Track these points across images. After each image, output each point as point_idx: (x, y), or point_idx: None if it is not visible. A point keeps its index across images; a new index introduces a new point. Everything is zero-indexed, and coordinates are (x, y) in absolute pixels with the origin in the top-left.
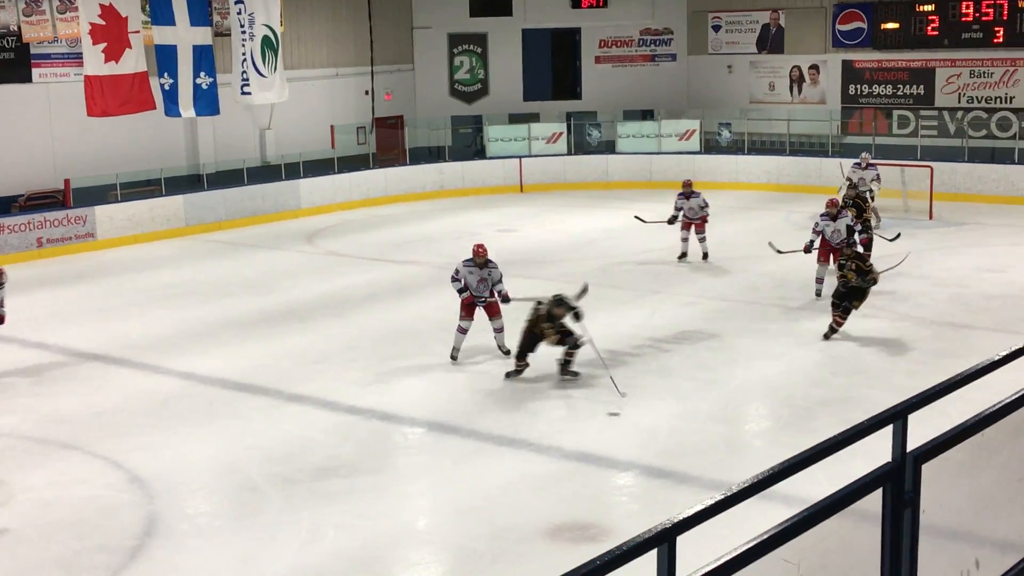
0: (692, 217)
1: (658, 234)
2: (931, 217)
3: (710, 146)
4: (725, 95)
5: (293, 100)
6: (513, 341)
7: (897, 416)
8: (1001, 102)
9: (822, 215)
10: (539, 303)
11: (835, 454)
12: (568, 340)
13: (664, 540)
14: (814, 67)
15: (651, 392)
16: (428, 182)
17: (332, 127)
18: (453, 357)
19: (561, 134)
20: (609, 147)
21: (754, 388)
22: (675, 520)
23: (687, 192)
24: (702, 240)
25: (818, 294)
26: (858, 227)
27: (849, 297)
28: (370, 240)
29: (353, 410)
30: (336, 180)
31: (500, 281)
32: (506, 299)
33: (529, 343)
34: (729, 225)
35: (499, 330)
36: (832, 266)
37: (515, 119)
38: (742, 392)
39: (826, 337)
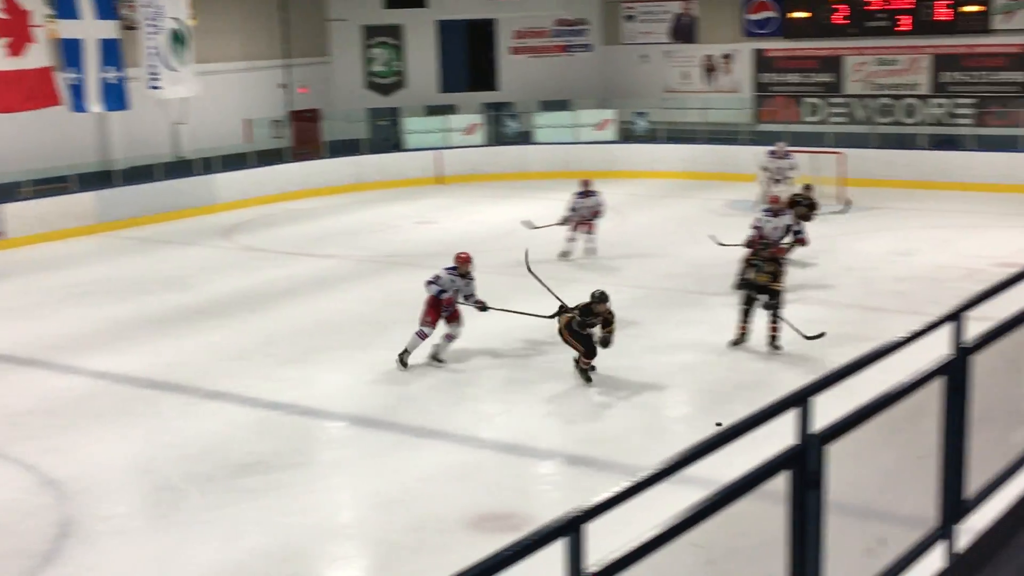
0: (586, 217)
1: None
2: (843, 202)
3: (626, 135)
4: (640, 85)
5: (206, 94)
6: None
7: (800, 399)
8: (907, 88)
9: (764, 210)
10: (564, 308)
11: (754, 436)
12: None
13: (570, 530)
14: (727, 56)
15: (570, 380)
16: (346, 175)
17: (247, 121)
18: (404, 363)
19: (479, 125)
20: (526, 138)
21: (673, 374)
22: (582, 509)
23: (585, 191)
24: (591, 240)
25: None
26: (796, 227)
27: (752, 300)
28: (288, 234)
29: (273, 405)
30: (252, 174)
31: (474, 291)
32: (483, 308)
33: (585, 341)
34: (647, 213)
35: (452, 338)
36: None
37: (432, 111)
38: (661, 378)
39: (734, 344)
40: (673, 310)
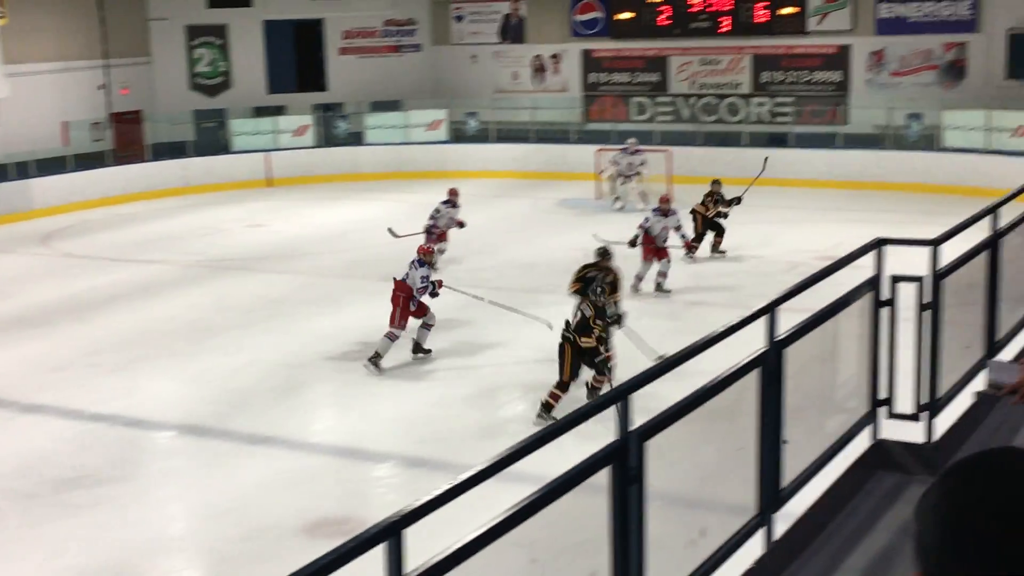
0: (446, 228)
1: (411, 223)
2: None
3: (458, 135)
4: (470, 85)
5: (18, 96)
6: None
7: (618, 397)
8: (729, 88)
9: (654, 210)
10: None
11: (584, 432)
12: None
13: (390, 534)
14: (555, 56)
15: (405, 381)
16: (172, 178)
17: (64, 123)
18: (377, 366)
19: (308, 126)
20: (357, 138)
21: (507, 373)
22: (400, 514)
23: (452, 200)
24: (442, 247)
25: (634, 289)
26: (682, 234)
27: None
28: (110, 240)
29: (97, 417)
30: (71, 179)
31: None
32: (435, 293)
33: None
34: (479, 213)
35: (430, 326)
36: (657, 264)
37: (260, 112)
38: (496, 377)
39: (540, 417)
40: (508, 311)
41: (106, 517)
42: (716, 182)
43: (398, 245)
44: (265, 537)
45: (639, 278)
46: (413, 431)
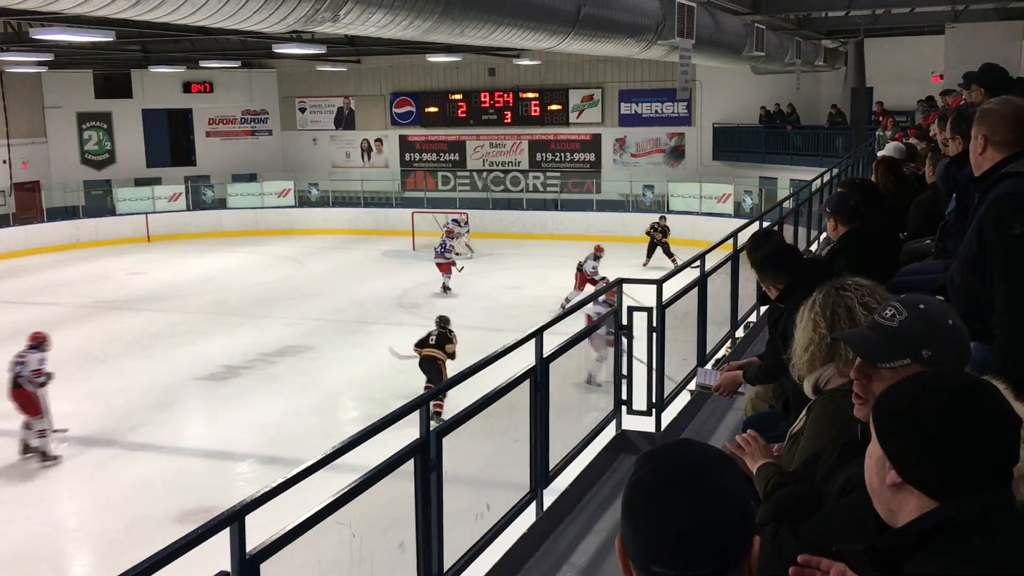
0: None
1: (265, 270)
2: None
3: (303, 200)
4: (313, 161)
5: None
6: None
7: (422, 403)
8: (512, 165)
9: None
10: None
11: (394, 431)
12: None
13: (234, 520)
14: (379, 140)
15: (262, 395)
16: (65, 236)
17: None
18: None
19: (181, 194)
20: (222, 203)
21: (344, 387)
22: (243, 502)
23: (456, 231)
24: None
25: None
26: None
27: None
28: (13, 286)
29: (2, 432)
30: None
31: None
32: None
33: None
34: (320, 262)
35: None
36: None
37: (140, 182)
38: (335, 391)
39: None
40: (342, 336)
41: (7, 514)
42: (663, 217)
43: (254, 288)
44: (143, 526)
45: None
46: (267, 435)
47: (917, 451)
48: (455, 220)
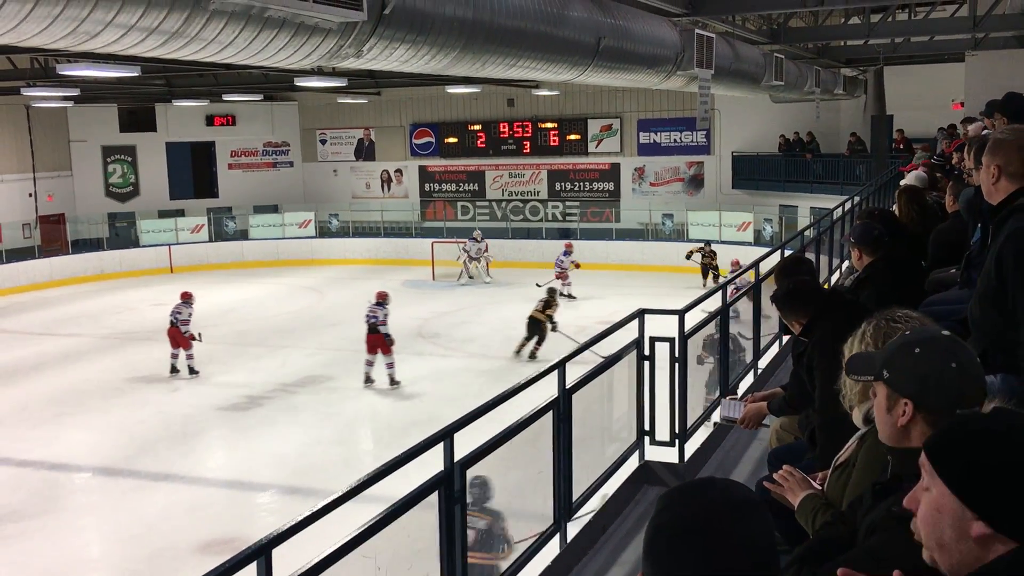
0: (565, 268)
1: (286, 301)
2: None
3: (324, 231)
4: (333, 192)
5: None
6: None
7: (445, 435)
8: (531, 195)
9: (564, 253)
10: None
11: (418, 462)
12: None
13: (260, 554)
14: (399, 171)
15: (282, 425)
16: (89, 267)
17: None
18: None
19: (203, 225)
20: (244, 234)
21: (363, 417)
22: (270, 536)
23: (569, 251)
24: (568, 284)
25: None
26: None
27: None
28: (38, 318)
29: (24, 463)
30: (4, 269)
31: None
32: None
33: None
34: (341, 292)
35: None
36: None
37: (164, 214)
38: (354, 421)
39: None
40: (361, 366)
41: (32, 545)
42: (707, 243)
43: (275, 318)
44: (165, 556)
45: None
46: (289, 465)
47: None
48: (472, 237)
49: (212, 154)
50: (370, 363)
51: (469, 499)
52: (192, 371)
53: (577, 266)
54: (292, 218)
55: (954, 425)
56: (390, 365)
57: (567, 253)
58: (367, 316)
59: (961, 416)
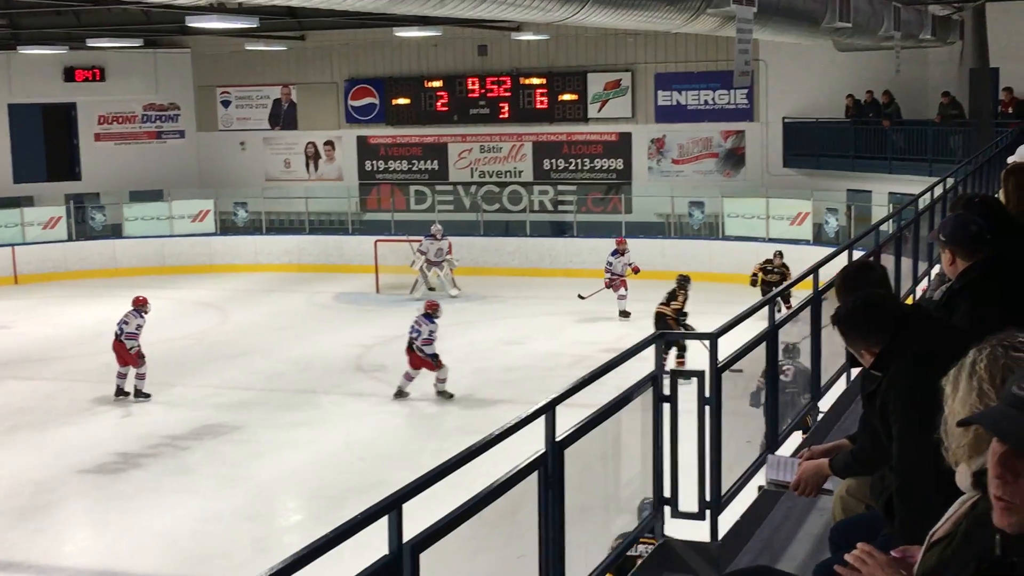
0: (621, 275)
1: (175, 322)
2: (454, 290)
3: (226, 227)
4: (239, 173)
5: None
6: None
7: (391, 506)
8: (511, 176)
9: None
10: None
11: (354, 541)
12: None
13: None
14: (329, 143)
15: (170, 494)
16: None
17: None
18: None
19: (60, 219)
20: (116, 231)
21: (281, 481)
22: None
23: (620, 249)
24: (622, 297)
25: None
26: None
27: None
28: None
29: None
30: None
31: None
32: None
33: None
34: (250, 310)
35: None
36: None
37: (4, 203)
38: (269, 486)
39: None
40: (280, 412)
41: None
42: (779, 253)
43: (160, 346)
44: None
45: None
46: (178, 549)
47: None
48: (430, 234)
49: (72, 120)
50: (410, 377)
51: None
52: (140, 394)
53: (636, 271)
54: (183, 208)
55: None
56: (442, 380)
57: (618, 253)
58: (411, 330)
59: None
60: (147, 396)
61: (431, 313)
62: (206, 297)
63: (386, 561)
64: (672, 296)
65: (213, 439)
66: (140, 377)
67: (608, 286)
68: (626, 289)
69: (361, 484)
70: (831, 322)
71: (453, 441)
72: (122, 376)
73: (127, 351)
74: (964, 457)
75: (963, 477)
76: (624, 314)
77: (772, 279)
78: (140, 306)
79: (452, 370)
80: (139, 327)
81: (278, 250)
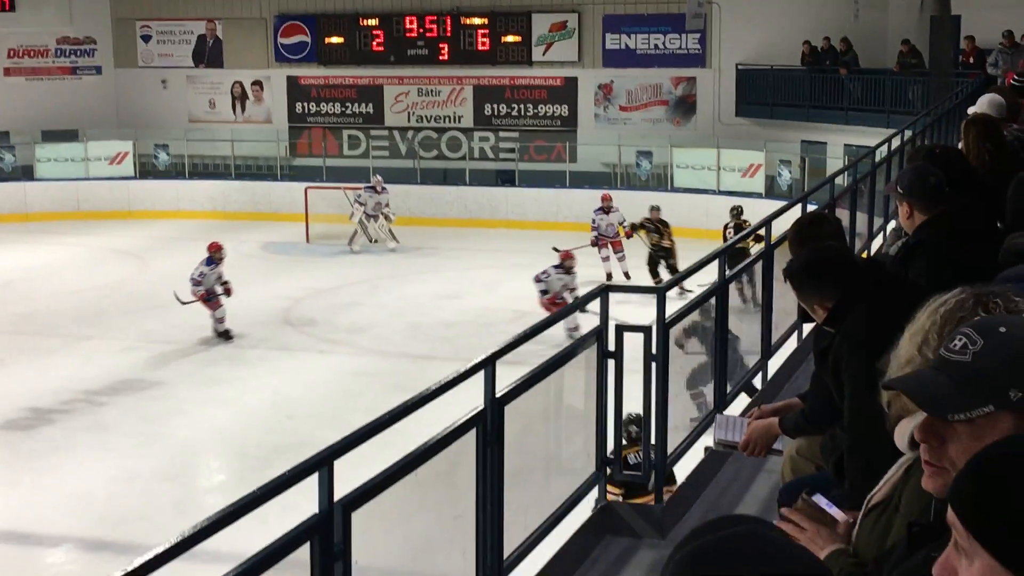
0: (609, 236)
1: (92, 270)
2: (393, 242)
3: (146, 170)
4: (161, 113)
5: None
6: None
7: (322, 463)
8: (450, 121)
9: (596, 210)
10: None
11: (284, 502)
12: None
13: None
14: (257, 83)
15: (85, 452)
16: None
17: None
18: None
19: None
20: (27, 173)
21: (204, 440)
22: None
23: (605, 207)
24: (622, 259)
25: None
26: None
27: None
28: None
29: None
30: None
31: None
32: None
33: None
34: (170, 259)
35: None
36: None
37: None
38: (190, 445)
39: None
40: (202, 367)
41: None
42: (655, 208)
43: (75, 296)
44: None
45: None
46: (93, 509)
47: None
48: (370, 186)
49: None
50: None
51: None
52: (220, 334)
53: (630, 232)
54: (99, 150)
55: (994, 450)
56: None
57: (602, 210)
58: (539, 278)
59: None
60: (228, 337)
61: (564, 263)
62: (124, 245)
63: (316, 520)
64: (634, 228)
65: (131, 395)
66: (216, 320)
67: (593, 244)
68: (621, 249)
69: (288, 443)
70: (783, 275)
71: (386, 399)
72: (219, 320)
73: (203, 297)
74: (901, 415)
75: (901, 438)
76: (625, 276)
77: (654, 241)
78: (211, 252)
79: (387, 325)
80: (202, 274)
81: (202, 196)
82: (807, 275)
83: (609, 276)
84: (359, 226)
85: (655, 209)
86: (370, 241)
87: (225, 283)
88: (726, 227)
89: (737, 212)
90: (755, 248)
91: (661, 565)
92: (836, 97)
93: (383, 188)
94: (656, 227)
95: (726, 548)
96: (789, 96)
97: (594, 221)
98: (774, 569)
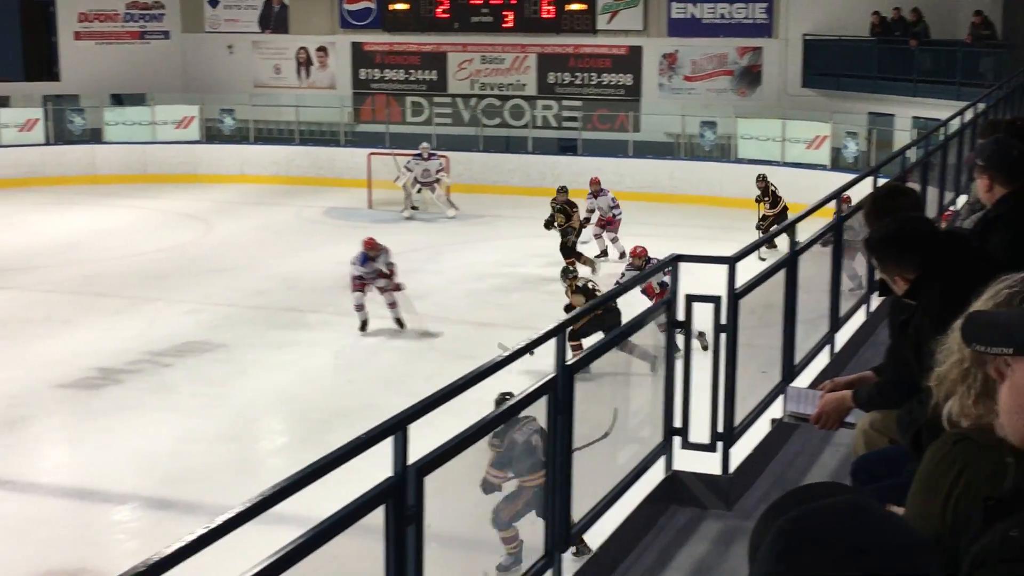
0: (604, 215)
1: (157, 233)
2: (452, 209)
3: (212, 135)
4: (226, 78)
5: None
6: None
7: (396, 427)
8: (513, 89)
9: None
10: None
11: (355, 467)
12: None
13: None
14: (322, 49)
15: (150, 412)
16: None
17: None
18: None
19: (37, 121)
20: (96, 136)
21: (266, 402)
22: (148, 563)
23: (595, 191)
24: (615, 240)
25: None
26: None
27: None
28: None
29: None
30: None
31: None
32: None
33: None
34: (235, 222)
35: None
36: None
37: None
38: (253, 407)
39: None
40: (265, 330)
41: None
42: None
43: (141, 258)
44: None
45: None
46: (157, 468)
47: None
48: (417, 153)
49: (51, 17)
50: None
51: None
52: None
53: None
54: (166, 114)
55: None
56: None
57: (594, 195)
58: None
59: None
60: (400, 325)
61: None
62: (189, 208)
63: (391, 483)
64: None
65: (195, 357)
66: (388, 306)
67: (602, 227)
68: (615, 230)
69: (349, 407)
70: (864, 247)
71: (443, 365)
72: (392, 306)
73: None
74: (953, 390)
75: (955, 410)
76: (603, 254)
77: (763, 209)
78: (365, 249)
79: (445, 291)
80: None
81: (266, 160)
82: (889, 247)
83: (604, 252)
84: (405, 192)
85: (562, 191)
86: (412, 208)
87: (387, 275)
88: (757, 199)
89: (763, 178)
90: (761, 211)
91: (727, 535)
92: (905, 69)
93: (430, 155)
94: (563, 208)
95: (828, 518)
96: (857, 67)
97: (591, 206)
98: (877, 540)
